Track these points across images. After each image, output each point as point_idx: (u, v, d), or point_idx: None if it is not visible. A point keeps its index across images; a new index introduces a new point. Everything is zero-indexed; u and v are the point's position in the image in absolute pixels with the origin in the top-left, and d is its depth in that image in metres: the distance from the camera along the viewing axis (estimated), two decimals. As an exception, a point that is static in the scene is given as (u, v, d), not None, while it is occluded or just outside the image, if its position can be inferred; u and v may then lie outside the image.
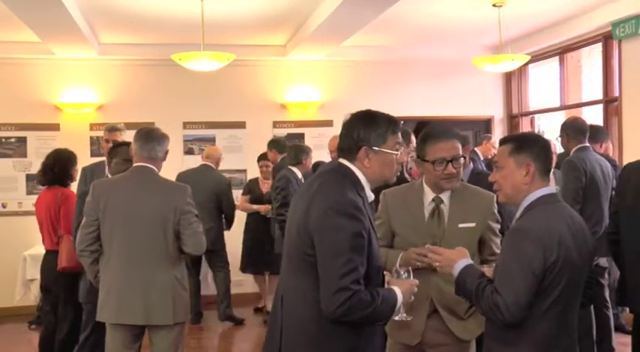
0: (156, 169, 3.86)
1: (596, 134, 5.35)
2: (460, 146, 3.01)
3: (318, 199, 2.40)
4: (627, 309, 4.73)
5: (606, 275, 4.96)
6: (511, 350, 2.44)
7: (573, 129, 4.97)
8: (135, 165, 3.85)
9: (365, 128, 2.48)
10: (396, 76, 8.69)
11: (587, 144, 4.99)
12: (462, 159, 2.99)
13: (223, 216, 6.97)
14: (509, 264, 2.37)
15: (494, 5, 6.44)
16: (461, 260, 2.59)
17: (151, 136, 3.86)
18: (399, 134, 2.55)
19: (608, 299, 5.07)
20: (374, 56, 8.50)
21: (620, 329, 5.73)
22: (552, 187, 2.55)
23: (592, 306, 4.84)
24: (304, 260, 2.41)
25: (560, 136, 5.03)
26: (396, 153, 2.54)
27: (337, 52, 8.03)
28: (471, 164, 4.14)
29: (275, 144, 7.07)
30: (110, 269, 3.77)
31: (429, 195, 3.04)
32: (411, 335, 3.00)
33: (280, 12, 6.65)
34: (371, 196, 2.51)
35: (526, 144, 2.53)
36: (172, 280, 3.79)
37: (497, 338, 2.49)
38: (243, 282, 8.01)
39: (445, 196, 3.03)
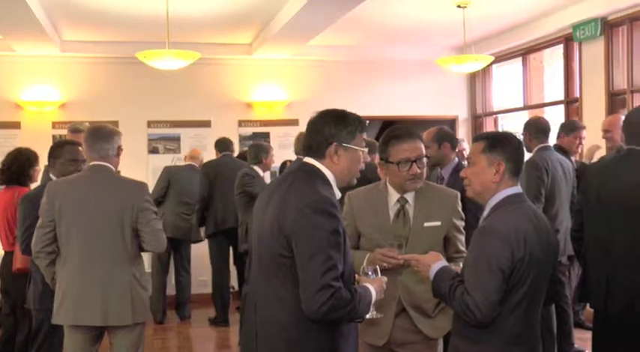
0: (112, 167, 3.79)
1: (572, 126, 5.52)
2: (423, 146, 3.03)
3: (292, 199, 2.38)
4: (587, 306, 4.83)
5: (567, 273, 5.05)
6: (477, 347, 2.47)
7: (535, 129, 5.04)
8: (90, 164, 3.79)
9: (336, 125, 2.48)
10: (361, 75, 8.72)
11: (549, 144, 5.08)
12: (425, 159, 3.01)
13: None
14: (478, 264, 2.40)
15: (458, 6, 6.50)
16: (435, 263, 2.63)
17: (97, 136, 3.76)
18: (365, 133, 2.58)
19: (568, 296, 5.17)
20: (340, 56, 8.53)
21: (579, 325, 5.84)
22: (519, 187, 2.58)
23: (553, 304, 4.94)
24: (279, 262, 2.38)
25: (523, 135, 5.10)
26: (364, 149, 2.56)
27: (303, 51, 8.03)
28: (456, 159, 4.21)
29: (215, 143, 7.24)
30: (67, 270, 3.70)
31: (393, 195, 3.06)
32: (378, 335, 3.02)
33: (246, 10, 6.62)
34: (338, 194, 2.50)
35: (499, 144, 2.56)
36: (131, 279, 3.73)
37: (463, 335, 2.52)
38: (207, 282, 7.97)
39: (410, 196, 3.05)
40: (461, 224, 3.11)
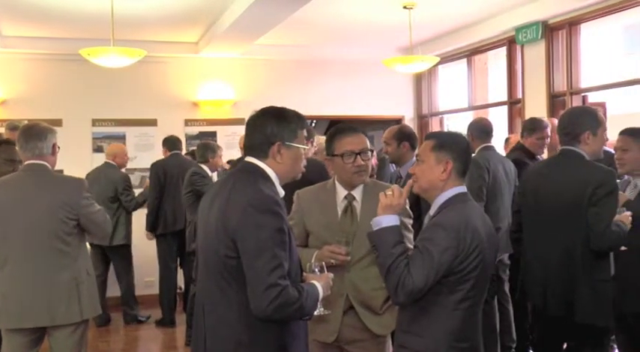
0: (48, 165, 3.72)
1: (532, 126, 5.37)
2: (367, 141, 3.07)
3: (235, 199, 2.37)
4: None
5: (507, 271, 5.15)
6: (421, 342, 2.50)
7: (478, 130, 5.12)
8: (25, 163, 3.72)
9: (277, 124, 2.47)
10: (309, 74, 8.75)
11: (491, 144, 5.17)
12: (369, 152, 3.05)
13: None
14: (424, 252, 2.43)
15: (404, 7, 6.59)
16: (392, 216, 2.59)
17: (29, 135, 3.69)
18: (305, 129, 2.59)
19: (508, 293, 5.28)
20: (288, 55, 8.53)
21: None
22: (465, 187, 2.62)
23: (495, 300, 5.04)
24: (226, 263, 2.37)
25: (466, 136, 5.17)
26: (306, 147, 2.57)
27: (251, 50, 8.01)
28: (414, 158, 4.24)
29: (163, 142, 7.13)
30: (6, 274, 3.62)
31: (341, 193, 3.08)
32: (327, 332, 3.03)
33: (192, 8, 6.57)
34: (281, 192, 2.50)
35: (449, 143, 2.60)
36: (76, 276, 3.69)
37: (408, 331, 2.55)
38: (154, 283, 7.88)
39: (357, 193, 3.08)
40: (409, 222, 3.14)
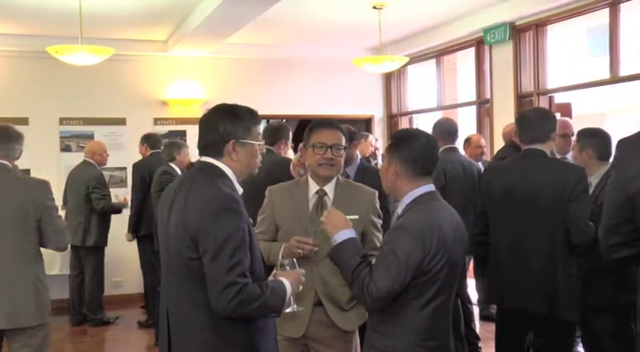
0: (11, 166, 3.73)
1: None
2: (343, 137, 3.09)
3: (194, 199, 2.36)
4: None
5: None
6: (391, 342, 2.51)
7: (441, 130, 5.12)
8: None
9: (231, 122, 2.45)
10: (280, 74, 8.74)
11: (455, 146, 5.18)
12: (343, 149, 3.07)
13: None
14: (389, 255, 2.44)
15: (374, 7, 6.63)
16: (346, 230, 2.63)
17: (9, 135, 3.71)
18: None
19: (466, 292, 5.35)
20: (259, 54, 8.52)
21: (490, 318, 6.04)
22: (432, 185, 2.62)
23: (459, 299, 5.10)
24: (188, 264, 2.36)
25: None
26: (261, 143, 2.57)
27: (221, 49, 7.98)
28: (358, 159, 4.25)
29: (145, 138, 7.05)
30: None
31: (313, 188, 3.11)
32: (296, 327, 3.04)
33: (162, 6, 6.52)
34: (240, 190, 2.50)
35: (398, 145, 2.60)
36: (35, 279, 3.66)
37: (378, 330, 2.56)
38: (122, 283, 7.82)
39: (329, 189, 3.10)
40: (378, 221, 3.18)
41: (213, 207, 2.31)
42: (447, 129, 5.15)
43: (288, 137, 4.84)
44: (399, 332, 2.49)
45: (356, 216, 3.03)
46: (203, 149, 2.51)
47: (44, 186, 3.74)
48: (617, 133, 3.95)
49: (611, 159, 3.68)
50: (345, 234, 2.62)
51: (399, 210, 2.62)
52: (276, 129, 4.81)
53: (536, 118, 3.67)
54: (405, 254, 2.41)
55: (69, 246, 6.75)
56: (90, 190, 6.75)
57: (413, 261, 2.41)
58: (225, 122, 2.45)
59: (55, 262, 6.91)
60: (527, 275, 3.54)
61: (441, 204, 2.62)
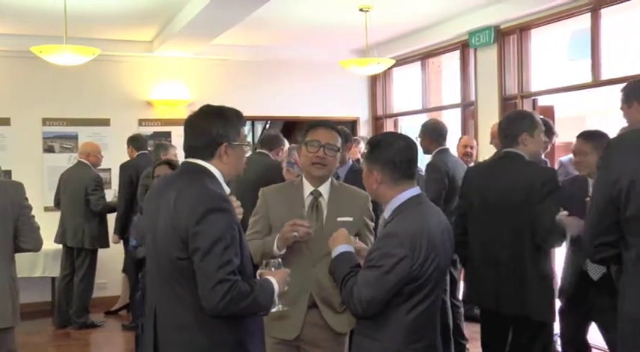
0: None
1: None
2: (339, 139, 3.10)
3: (184, 199, 2.36)
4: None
5: (459, 267, 5.24)
6: (378, 343, 2.51)
7: (435, 133, 5.18)
8: None
9: (223, 125, 2.46)
10: (266, 75, 8.73)
11: (447, 147, 5.25)
12: (337, 150, 3.07)
13: None
14: (376, 264, 2.43)
15: (361, 10, 6.65)
16: (342, 245, 2.66)
17: None
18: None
19: (456, 292, 5.38)
20: (244, 55, 8.50)
21: (475, 319, 6.09)
22: (418, 188, 2.61)
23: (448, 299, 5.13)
24: (178, 265, 2.36)
25: (421, 138, 5.21)
26: (249, 143, 2.59)
27: (207, 50, 7.95)
28: (350, 161, 4.28)
29: (130, 140, 7.05)
30: None
31: (307, 189, 3.11)
32: (289, 329, 3.04)
33: (147, 7, 6.49)
34: (227, 190, 2.51)
35: (376, 151, 2.58)
36: (10, 280, 3.67)
37: (366, 333, 2.56)
38: (107, 285, 7.77)
39: (324, 190, 3.11)
40: (371, 224, 3.20)
41: (204, 207, 2.32)
42: (438, 131, 5.20)
43: (284, 144, 5.25)
44: (387, 335, 2.49)
45: (350, 218, 3.05)
46: (191, 151, 2.50)
47: (20, 187, 3.79)
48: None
49: None
50: (338, 249, 2.65)
51: (386, 215, 2.60)
52: (276, 137, 5.36)
53: (505, 122, 3.75)
54: (393, 263, 2.40)
55: (61, 247, 6.83)
56: (89, 192, 6.72)
57: (402, 269, 2.40)
58: (216, 125, 2.45)
59: (38, 264, 6.86)
60: (497, 276, 3.60)
61: (428, 208, 2.61)
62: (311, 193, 3.10)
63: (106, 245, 6.95)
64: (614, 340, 3.76)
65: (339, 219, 3.04)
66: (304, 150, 3.07)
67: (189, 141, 2.50)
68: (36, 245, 3.80)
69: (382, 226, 2.66)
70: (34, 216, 3.82)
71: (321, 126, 3.10)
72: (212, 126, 2.45)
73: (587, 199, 3.44)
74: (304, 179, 3.15)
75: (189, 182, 2.42)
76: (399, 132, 8.90)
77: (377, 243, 2.54)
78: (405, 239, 2.42)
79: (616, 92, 3.72)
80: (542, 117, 5.18)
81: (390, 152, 2.54)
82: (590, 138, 3.95)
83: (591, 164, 3.94)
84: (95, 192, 6.74)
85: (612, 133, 3.65)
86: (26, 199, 3.77)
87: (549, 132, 4.96)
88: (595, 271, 3.85)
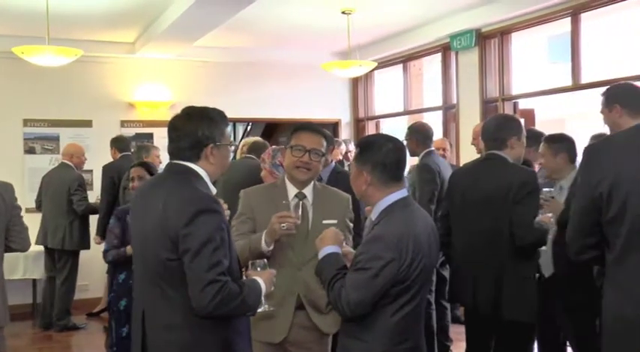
0: None
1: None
2: (325, 144, 3.11)
3: (172, 201, 2.36)
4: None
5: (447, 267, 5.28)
6: (364, 345, 2.51)
7: (421, 135, 5.21)
8: None
9: (208, 127, 2.46)
10: (247, 77, 8.73)
11: (433, 148, 5.30)
12: (321, 155, 3.08)
13: None
14: (364, 267, 2.44)
15: (343, 13, 6.69)
16: (330, 246, 2.66)
17: None
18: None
19: (445, 293, 5.42)
20: (226, 57, 8.50)
21: (456, 320, 6.14)
22: (405, 190, 2.62)
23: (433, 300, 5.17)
24: (167, 267, 2.36)
25: (408, 140, 5.23)
26: (233, 143, 2.60)
27: (189, 52, 7.95)
28: (332, 163, 4.30)
29: (113, 141, 7.00)
30: None
31: (291, 191, 3.11)
32: (276, 331, 3.04)
33: (130, 8, 6.48)
34: (214, 190, 2.52)
35: (365, 153, 2.58)
36: (1, 279, 3.65)
37: (352, 334, 2.56)
38: (88, 287, 7.72)
39: (308, 192, 3.11)
40: (351, 225, 3.23)
41: (194, 208, 2.32)
42: (425, 133, 5.24)
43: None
44: (373, 336, 2.50)
45: (335, 221, 3.07)
46: (176, 153, 2.50)
47: (10, 187, 3.77)
48: (576, 138, 4.12)
49: (577, 162, 3.78)
50: (324, 250, 2.65)
51: (373, 217, 2.61)
52: (264, 144, 5.65)
53: (494, 126, 3.78)
54: (381, 265, 2.41)
55: (42, 248, 6.78)
56: (71, 192, 6.69)
57: (389, 271, 2.41)
58: (202, 127, 2.46)
59: (19, 266, 6.82)
60: (475, 275, 3.64)
61: (415, 210, 2.62)
62: (296, 195, 3.10)
63: (87, 246, 6.89)
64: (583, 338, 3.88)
65: (324, 221, 3.05)
66: (289, 154, 3.07)
67: (175, 142, 2.50)
68: (25, 245, 3.80)
69: (369, 228, 2.67)
70: (22, 216, 3.81)
71: (307, 130, 3.09)
72: (198, 128, 2.45)
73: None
74: (287, 181, 3.14)
75: (178, 183, 2.42)
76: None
77: (364, 245, 2.54)
78: (392, 242, 2.43)
79: (596, 95, 3.78)
80: (534, 128, 5.30)
81: (380, 154, 2.55)
82: (551, 141, 4.06)
83: (548, 166, 4.05)
84: (77, 192, 6.71)
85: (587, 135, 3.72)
86: (16, 199, 3.76)
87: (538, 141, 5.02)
88: (547, 268, 3.91)
